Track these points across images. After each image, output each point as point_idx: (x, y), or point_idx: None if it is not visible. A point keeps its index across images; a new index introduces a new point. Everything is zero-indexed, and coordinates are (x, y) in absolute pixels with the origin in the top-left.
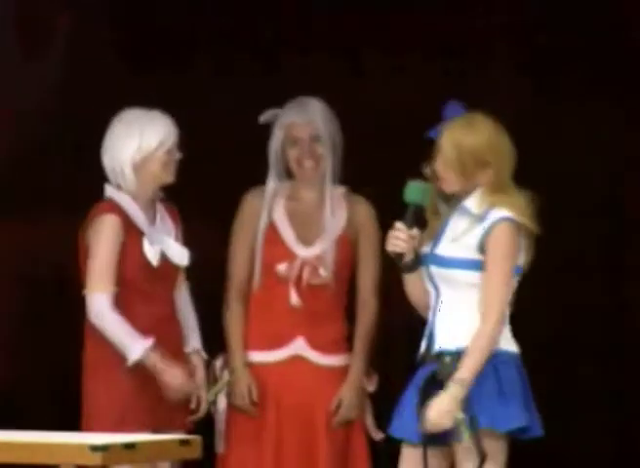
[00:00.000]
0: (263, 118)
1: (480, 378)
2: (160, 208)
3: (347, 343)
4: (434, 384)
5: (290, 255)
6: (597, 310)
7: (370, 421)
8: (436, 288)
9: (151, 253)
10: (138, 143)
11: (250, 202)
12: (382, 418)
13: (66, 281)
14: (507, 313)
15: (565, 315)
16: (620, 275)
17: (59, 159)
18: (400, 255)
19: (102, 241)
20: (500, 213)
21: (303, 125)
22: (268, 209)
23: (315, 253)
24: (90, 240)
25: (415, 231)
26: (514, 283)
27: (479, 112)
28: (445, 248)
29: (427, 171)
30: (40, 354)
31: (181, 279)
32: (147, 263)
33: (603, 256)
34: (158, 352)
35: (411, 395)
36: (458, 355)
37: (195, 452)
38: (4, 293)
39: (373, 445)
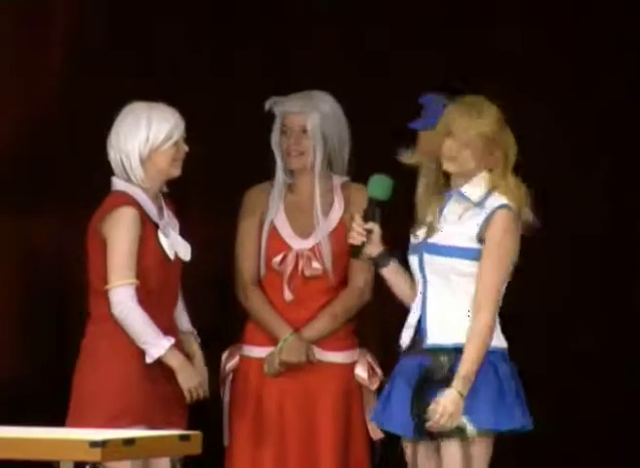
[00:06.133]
0: (267, 105)
1: (481, 376)
2: (164, 203)
3: (353, 339)
4: (428, 381)
5: (285, 249)
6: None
7: (368, 418)
8: (425, 277)
9: (167, 246)
10: (145, 136)
11: (253, 197)
12: None
13: (65, 277)
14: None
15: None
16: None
17: (58, 155)
18: (355, 248)
19: (123, 234)
20: (500, 200)
21: (295, 115)
22: (276, 202)
23: (310, 245)
24: (107, 233)
25: (371, 225)
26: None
27: (480, 96)
28: (443, 236)
29: (411, 158)
30: (39, 350)
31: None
32: (163, 257)
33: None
34: (177, 350)
35: (400, 388)
36: (454, 351)
37: (195, 448)
38: (3, 291)
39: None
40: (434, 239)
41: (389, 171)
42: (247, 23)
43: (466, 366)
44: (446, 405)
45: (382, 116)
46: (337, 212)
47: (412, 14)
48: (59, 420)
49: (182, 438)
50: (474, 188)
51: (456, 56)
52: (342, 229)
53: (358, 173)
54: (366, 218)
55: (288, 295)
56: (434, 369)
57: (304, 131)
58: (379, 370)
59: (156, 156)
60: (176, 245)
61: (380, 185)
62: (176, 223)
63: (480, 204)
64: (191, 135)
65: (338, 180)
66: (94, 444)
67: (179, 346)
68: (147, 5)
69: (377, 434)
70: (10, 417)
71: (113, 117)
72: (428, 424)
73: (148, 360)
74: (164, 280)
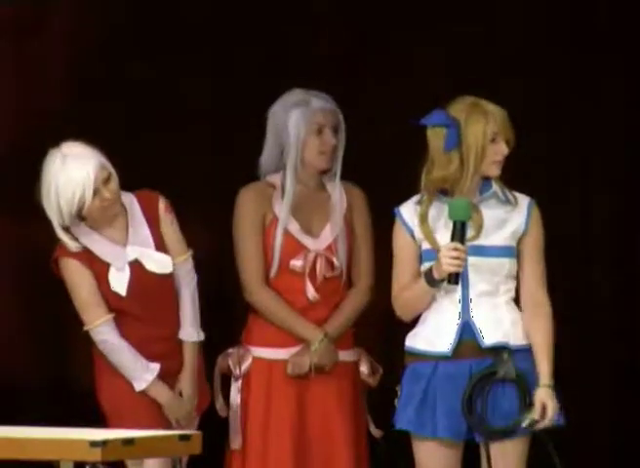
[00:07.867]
0: (296, 97)
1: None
2: (132, 211)
3: (353, 338)
4: (482, 381)
5: (299, 248)
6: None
7: (368, 417)
8: (467, 280)
9: (119, 285)
10: (58, 214)
11: (252, 196)
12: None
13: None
14: None
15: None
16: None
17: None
18: (457, 275)
19: (73, 284)
20: (523, 195)
21: (331, 113)
22: (287, 201)
23: (325, 245)
24: (63, 280)
25: (463, 246)
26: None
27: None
28: (488, 238)
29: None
30: (40, 351)
31: (185, 270)
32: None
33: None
34: (160, 382)
35: (447, 393)
36: (513, 350)
37: (195, 448)
38: (3, 292)
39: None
40: (479, 241)
41: (390, 172)
42: (247, 23)
43: (550, 362)
44: (550, 402)
45: (382, 116)
46: (342, 209)
47: (412, 13)
48: (59, 420)
49: (182, 438)
50: (497, 187)
51: (456, 55)
52: (348, 228)
53: (359, 173)
54: (460, 241)
55: (314, 295)
56: (495, 366)
57: (337, 129)
58: (380, 369)
59: (84, 213)
60: (149, 263)
61: (460, 208)
62: (147, 237)
63: (512, 202)
64: (191, 134)
65: (332, 179)
66: (94, 443)
67: (175, 359)
68: (147, 5)
69: (378, 432)
70: (10, 417)
71: (113, 118)
72: (541, 424)
73: (137, 390)
74: (139, 307)
